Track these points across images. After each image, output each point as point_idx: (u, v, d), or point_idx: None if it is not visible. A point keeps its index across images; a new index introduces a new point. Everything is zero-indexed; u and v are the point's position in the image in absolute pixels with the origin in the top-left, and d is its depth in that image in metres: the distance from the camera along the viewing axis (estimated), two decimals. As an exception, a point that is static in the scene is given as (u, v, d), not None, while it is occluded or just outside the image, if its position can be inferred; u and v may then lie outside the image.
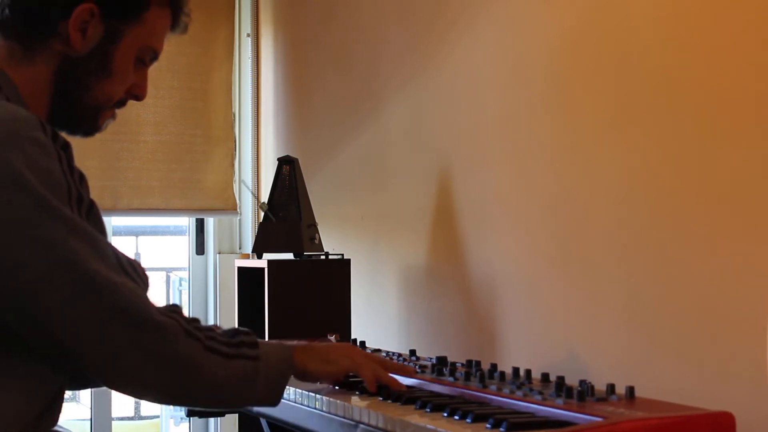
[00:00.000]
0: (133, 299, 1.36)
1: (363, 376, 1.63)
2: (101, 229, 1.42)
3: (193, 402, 1.51)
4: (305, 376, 1.62)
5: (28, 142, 1.34)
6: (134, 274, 1.40)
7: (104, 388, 3.53)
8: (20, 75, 1.47)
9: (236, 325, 2.73)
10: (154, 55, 1.58)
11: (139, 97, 1.59)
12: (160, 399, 1.49)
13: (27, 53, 1.48)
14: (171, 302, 1.51)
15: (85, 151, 3.35)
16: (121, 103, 1.58)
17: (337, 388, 1.69)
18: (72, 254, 1.33)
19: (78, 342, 1.35)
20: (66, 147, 1.40)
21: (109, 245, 1.40)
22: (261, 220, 2.72)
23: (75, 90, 1.50)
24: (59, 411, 1.46)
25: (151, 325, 1.37)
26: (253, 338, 1.52)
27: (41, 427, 1.40)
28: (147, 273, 1.46)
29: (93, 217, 1.40)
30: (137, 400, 5.22)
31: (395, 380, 1.64)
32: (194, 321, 1.46)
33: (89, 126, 1.55)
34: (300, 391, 1.70)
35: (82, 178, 1.41)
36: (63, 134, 1.50)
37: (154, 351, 1.38)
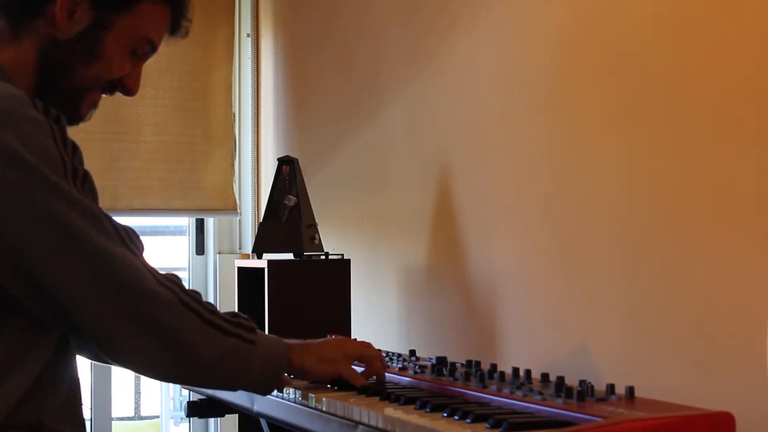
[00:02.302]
0: (131, 272, 1.39)
1: (354, 378, 1.66)
2: (95, 198, 1.44)
3: (188, 376, 1.52)
4: (302, 374, 1.62)
5: (22, 119, 1.35)
6: (131, 243, 1.43)
7: (103, 387, 3.51)
8: (7, 54, 1.48)
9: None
10: (150, 49, 1.57)
11: (129, 90, 1.57)
12: (157, 372, 1.49)
13: (14, 33, 1.48)
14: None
15: (85, 151, 3.33)
16: (109, 90, 1.56)
17: (329, 386, 1.70)
18: (75, 228, 1.35)
19: (80, 313, 1.37)
20: (58, 120, 1.40)
21: (107, 216, 1.42)
22: (261, 219, 2.72)
23: (58, 72, 1.50)
24: (63, 379, 1.47)
25: (148, 297, 1.40)
26: (251, 324, 1.54)
27: (44, 394, 1.42)
28: (141, 238, 1.49)
29: (87, 187, 1.42)
30: (137, 399, 5.22)
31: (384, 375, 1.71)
32: (195, 293, 1.48)
33: (71, 111, 1.53)
34: (299, 391, 1.70)
35: (75, 149, 1.43)
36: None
37: (150, 322, 1.40)
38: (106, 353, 1.45)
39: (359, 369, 1.72)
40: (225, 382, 1.55)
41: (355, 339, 1.84)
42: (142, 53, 1.56)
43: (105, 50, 1.51)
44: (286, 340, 1.62)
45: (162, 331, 1.41)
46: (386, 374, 1.77)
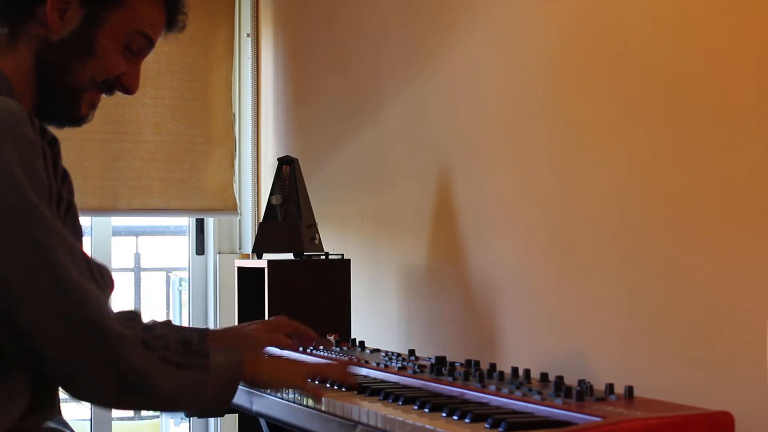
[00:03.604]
0: (96, 308, 1.36)
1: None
2: (77, 230, 1.42)
3: (145, 408, 1.57)
4: (254, 385, 1.65)
5: (18, 137, 1.33)
6: (101, 280, 1.40)
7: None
8: (7, 62, 1.47)
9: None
10: (146, 44, 1.55)
11: (128, 89, 1.56)
12: (106, 403, 1.48)
13: (11, 39, 1.47)
14: (135, 308, 1.51)
15: (85, 151, 3.36)
16: (108, 89, 1.55)
17: (328, 386, 1.72)
18: (51, 256, 1.33)
19: (42, 338, 1.34)
20: (53, 143, 1.39)
21: (81, 249, 1.39)
22: (261, 219, 2.72)
23: (55, 73, 1.49)
24: (53, 403, 1.46)
25: (108, 334, 1.37)
26: (203, 348, 1.51)
27: (34, 419, 1.41)
28: (113, 277, 1.46)
29: (70, 217, 1.41)
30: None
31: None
32: (149, 329, 1.48)
33: (72, 113, 1.52)
34: (299, 391, 1.70)
35: (65, 176, 1.41)
36: (53, 128, 1.50)
37: (112, 362, 1.37)
38: (61, 383, 1.42)
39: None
40: (180, 410, 1.55)
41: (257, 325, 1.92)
42: (137, 49, 1.54)
43: (99, 47, 1.50)
44: (239, 351, 1.59)
45: (119, 367, 1.38)
46: (385, 374, 1.77)
